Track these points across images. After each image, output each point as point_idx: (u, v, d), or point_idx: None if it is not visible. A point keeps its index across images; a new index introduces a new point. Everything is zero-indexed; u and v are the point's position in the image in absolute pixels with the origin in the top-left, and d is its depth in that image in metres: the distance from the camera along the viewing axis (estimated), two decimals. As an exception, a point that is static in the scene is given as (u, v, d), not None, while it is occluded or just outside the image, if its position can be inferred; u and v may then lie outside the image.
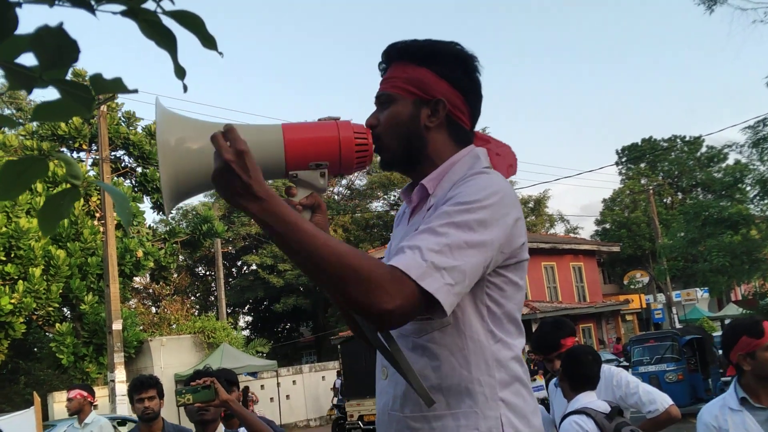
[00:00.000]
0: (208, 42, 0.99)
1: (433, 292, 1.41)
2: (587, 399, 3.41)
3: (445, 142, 1.73)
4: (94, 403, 6.87)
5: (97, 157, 20.38)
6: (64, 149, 23.79)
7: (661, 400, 3.79)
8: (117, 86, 0.96)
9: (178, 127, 1.55)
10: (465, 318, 1.59)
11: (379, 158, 1.77)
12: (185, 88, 1.06)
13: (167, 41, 0.94)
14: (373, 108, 1.80)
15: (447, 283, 1.43)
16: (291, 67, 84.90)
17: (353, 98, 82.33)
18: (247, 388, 23.95)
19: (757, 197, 21.43)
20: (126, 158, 24.84)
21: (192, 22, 0.95)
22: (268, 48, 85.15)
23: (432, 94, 1.71)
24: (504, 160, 1.81)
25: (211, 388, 3.38)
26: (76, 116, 0.99)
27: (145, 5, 0.92)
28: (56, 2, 0.89)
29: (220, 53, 1.05)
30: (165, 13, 0.92)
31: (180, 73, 1.01)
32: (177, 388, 3.75)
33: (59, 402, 17.86)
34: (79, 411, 6.62)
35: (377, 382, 1.76)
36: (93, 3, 0.89)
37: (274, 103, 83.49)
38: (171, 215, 25.63)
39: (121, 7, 0.91)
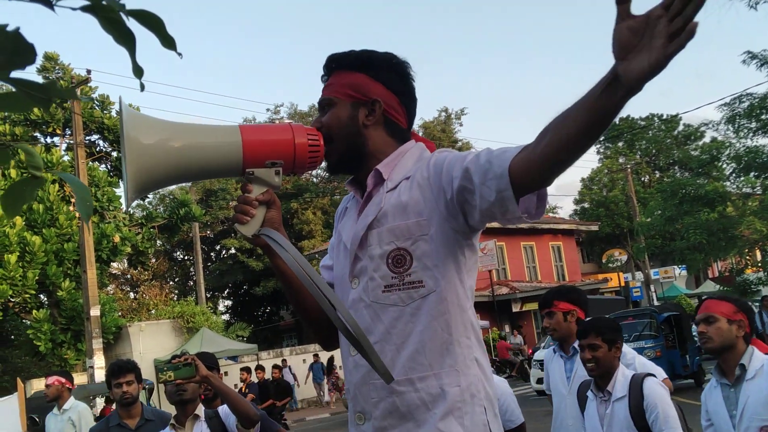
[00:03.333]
0: (168, 43, 1.00)
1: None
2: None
3: (384, 139, 1.87)
4: (73, 389, 6.81)
5: (72, 141, 20.09)
6: (38, 134, 23.46)
7: (658, 373, 3.89)
8: (71, 94, 1.03)
9: (146, 126, 1.64)
10: (447, 284, 1.73)
11: (325, 164, 1.90)
12: (142, 87, 1.11)
13: (126, 39, 0.95)
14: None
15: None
16: (271, 52, 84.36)
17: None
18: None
19: (733, 174, 21.59)
20: (101, 142, 24.57)
21: (152, 21, 0.96)
22: (245, 36, 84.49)
23: (368, 95, 1.85)
24: None
25: (191, 365, 3.39)
26: (34, 108, 1.01)
27: (106, 1, 0.93)
28: None
29: (179, 54, 1.06)
30: (125, 11, 0.92)
31: (137, 71, 1.02)
32: (158, 365, 3.81)
33: (37, 389, 17.71)
34: (57, 398, 6.57)
35: (346, 359, 1.85)
36: None
37: (251, 88, 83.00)
38: (148, 199, 25.43)
39: (81, 3, 0.91)
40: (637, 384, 3.38)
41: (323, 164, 1.88)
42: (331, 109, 1.87)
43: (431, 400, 1.68)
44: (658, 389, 3.35)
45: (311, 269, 1.62)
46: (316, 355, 24.64)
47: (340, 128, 1.85)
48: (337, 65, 1.91)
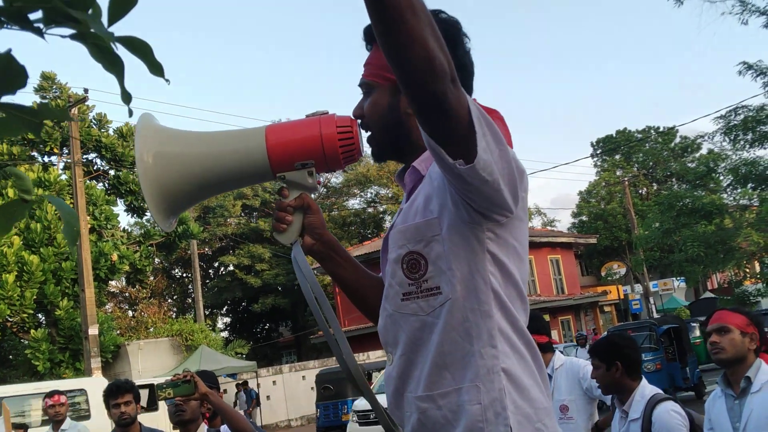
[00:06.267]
0: (156, 69, 1.01)
1: (475, 119, 1.36)
2: (650, 386, 3.50)
3: None
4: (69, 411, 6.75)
5: (69, 160, 20.11)
6: (35, 153, 23.47)
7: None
8: (63, 115, 1.01)
9: (159, 139, 1.57)
10: (465, 289, 1.55)
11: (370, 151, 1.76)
12: (130, 113, 1.12)
13: (115, 66, 0.96)
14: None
15: (484, 133, 1.39)
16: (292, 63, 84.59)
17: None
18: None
19: (730, 186, 21.63)
20: (98, 161, 24.57)
21: (140, 48, 0.96)
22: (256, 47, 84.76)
23: None
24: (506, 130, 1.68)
25: (190, 383, 3.38)
26: (24, 133, 1.01)
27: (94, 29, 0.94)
28: (5, 26, 0.90)
29: (167, 80, 1.06)
30: (114, 39, 0.93)
31: (126, 97, 1.02)
32: (157, 384, 3.82)
33: (36, 410, 17.61)
34: (62, 418, 6.45)
35: (386, 368, 1.71)
36: (41, 26, 0.90)
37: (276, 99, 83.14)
38: (145, 217, 25.43)
39: (70, 31, 0.92)
40: (649, 409, 3.35)
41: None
42: (371, 95, 1.70)
43: (454, 418, 1.54)
44: (666, 417, 3.27)
45: (324, 299, 1.57)
46: (244, 383, 22.11)
47: (379, 117, 1.69)
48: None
